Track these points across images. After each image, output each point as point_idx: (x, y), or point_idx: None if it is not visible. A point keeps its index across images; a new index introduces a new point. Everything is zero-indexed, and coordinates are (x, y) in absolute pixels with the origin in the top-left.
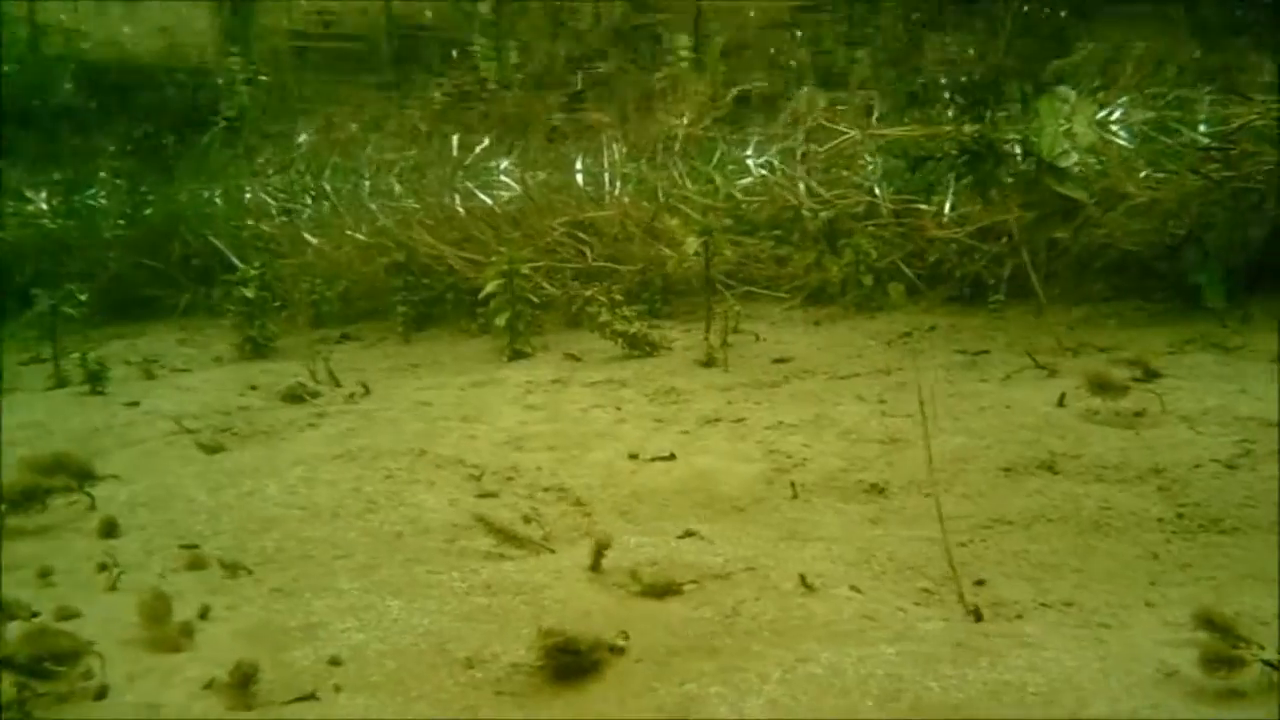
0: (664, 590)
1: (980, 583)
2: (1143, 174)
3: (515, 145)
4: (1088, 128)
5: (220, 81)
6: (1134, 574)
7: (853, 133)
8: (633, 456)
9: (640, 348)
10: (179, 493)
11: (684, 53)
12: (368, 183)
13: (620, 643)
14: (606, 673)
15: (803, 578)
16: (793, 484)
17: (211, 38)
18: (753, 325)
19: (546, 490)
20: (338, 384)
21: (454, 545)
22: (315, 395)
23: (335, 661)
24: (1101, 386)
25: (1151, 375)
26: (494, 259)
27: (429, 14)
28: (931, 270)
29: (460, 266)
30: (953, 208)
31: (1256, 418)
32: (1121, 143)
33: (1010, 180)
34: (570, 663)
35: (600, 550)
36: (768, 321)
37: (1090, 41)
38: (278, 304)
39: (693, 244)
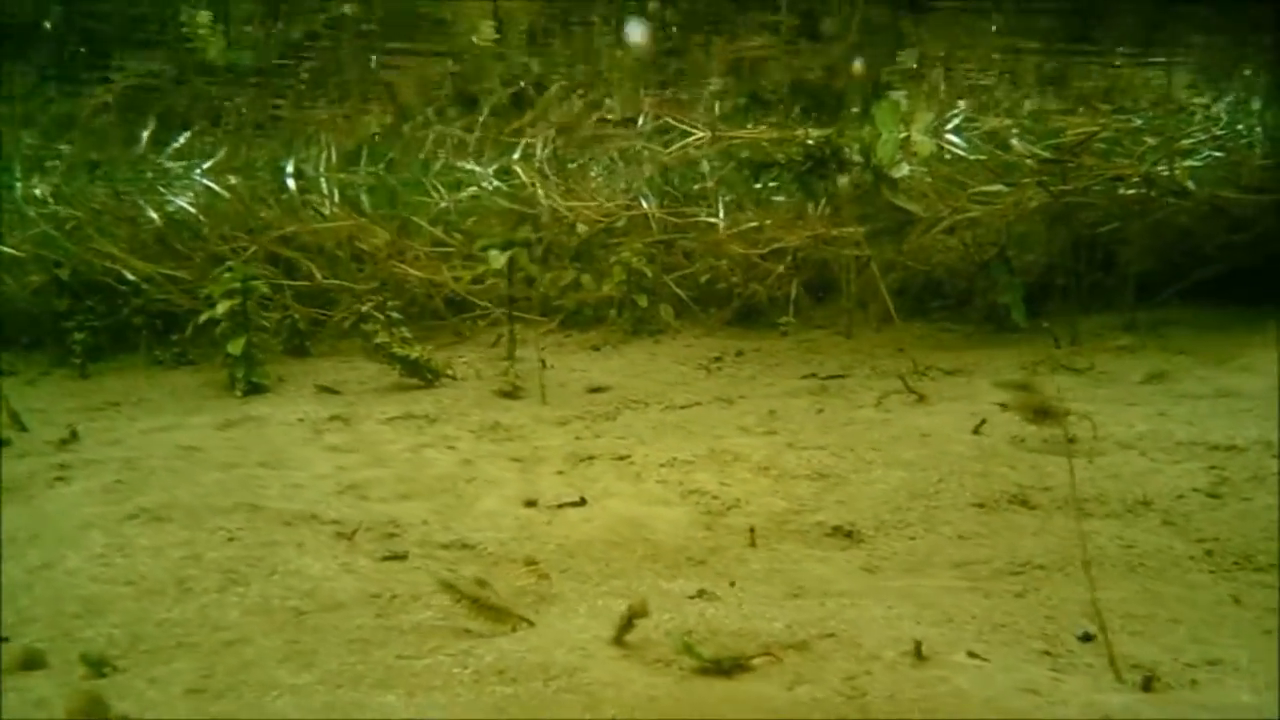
0: (731, 666)
1: (1088, 638)
2: (972, 188)
3: (227, 141)
4: (925, 136)
5: None
6: (1236, 623)
7: (701, 134)
8: (530, 504)
9: (422, 376)
10: None
11: (479, 41)
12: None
13: None
14: None
15: (918, 645)
16: (752, 530)
17: None
18: (522, 351)
19: (446, 548)
20: (23, 427)
21: (396, 621)
22: (5, 442)
23: None
24: (1039, 412)
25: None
26: (218, 276)
27: None
28: (705, 290)
29: (148, 284)
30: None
31: (1202, 442)
32: (960, 152)
33: (845, 191)
34: None
35: (632, 619)
36: (533, 346)
37: (926, 46)
38: None
39: (498, 259)
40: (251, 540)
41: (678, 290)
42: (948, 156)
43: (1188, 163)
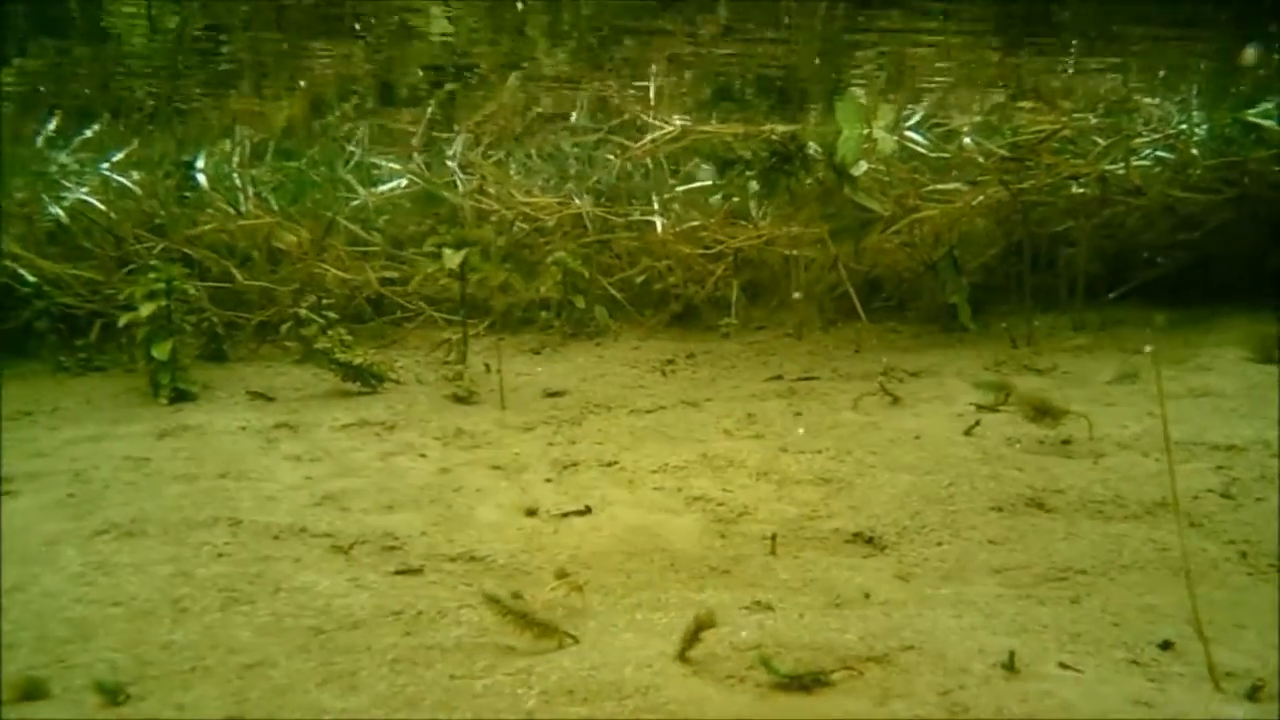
0: (811, 681)
1: (1167, 645)
2: (929, 185)
3: (138, 133)
4: (887, 134)
5: None
6: None
7: (672, 128)
8: (531, 513)
9: (365, 381)
10: None
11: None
12: None
13: None
14: None
15: (1011, 656)
16: (773, 538)
17: None
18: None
19: (453, 560)
20: None
21: (429, 639)
22: None
23: None
24: (1040, 412)
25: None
26: (139, 276)
27: None
28: (642, 291)
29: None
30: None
31: (1201, 442)
32: (920, 150)
33: (807, 188)
34: None
35: (698, 632)
36: (475, 350)
37: (883, 43)
38: None
39: (452, 258)
40: (243, 556)
41: (614, 292)
42: (902, 154)
43: (1139, 162)
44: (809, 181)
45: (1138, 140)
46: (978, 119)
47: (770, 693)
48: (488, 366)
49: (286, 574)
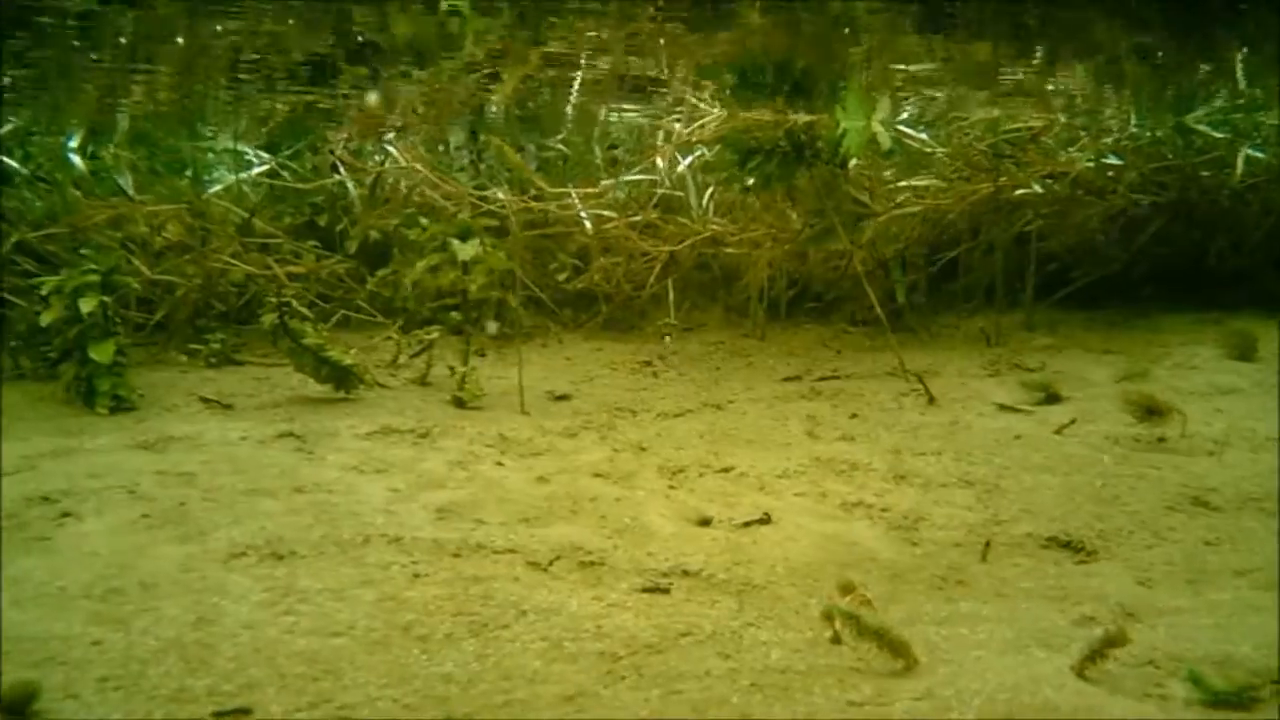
0: (1247, 699)
1: None
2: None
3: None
4: (883, 128)
5: None
6: None
7: (717, 113)
8: (703, 523)
9: (350, 385)
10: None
11: None
12: None
13: None
14: None
15: None
16: (987, 544)
17: None
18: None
19: (666, 575)
20: None
21: (747, 663)
22: None
23: None
24: (1149, 411)
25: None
26: (74, 269)
27: None
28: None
29: None
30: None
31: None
32: (916, 145)
33: (811, 181)
34: None
35: (1107, 648)
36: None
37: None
38: None
39: (467, 250)
40: (443, 575)
41: (539, 292)
42: (894, 149)
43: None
44: (818, 173)
45: (1108, 139)
46: (969, 115)
47: (1206, 712)
48: (451, 370)
49: (517, 594)
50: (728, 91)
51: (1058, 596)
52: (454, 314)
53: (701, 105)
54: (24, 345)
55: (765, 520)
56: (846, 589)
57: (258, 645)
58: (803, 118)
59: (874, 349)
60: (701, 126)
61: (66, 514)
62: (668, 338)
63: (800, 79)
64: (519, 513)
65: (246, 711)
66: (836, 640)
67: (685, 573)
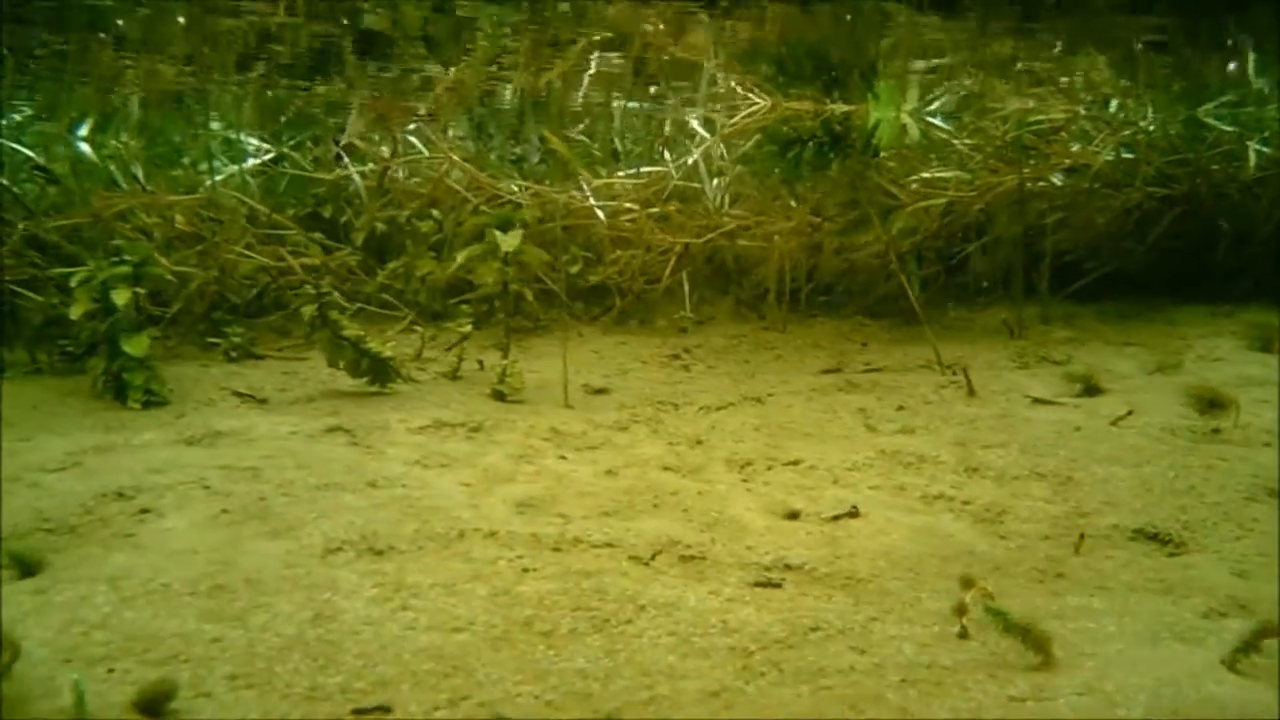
0: None
1: None
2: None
3: None
4: (913, 119)
5: None
6: None
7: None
8: (792, 516)
9: (386, 378)
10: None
11: None
12: None
13: None
14: None
15: None
16: (1081, 537)
17: None
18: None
19: (769, 570)
20: None
21: (881, 658)
22: None
23: None
24: (1211, 403)
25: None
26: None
27: None
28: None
29: None
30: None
31: None
32: (943, 136)
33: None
34: None
35: (1260, 639)
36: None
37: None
38: None
39: (510, 241)
40: (551, 570)
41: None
42: (923, 140)
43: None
44: (850, 164)
45: (1125, 132)
46: (993, 106)
47: None
48: (480, 363)
49: (630, 589)
50: (767, 81)
51: (1162, 589)
52: (484, 305)
53: (751, 95)
54: (39, 339)
55: (854, 514)
56: (968, 583)
57: (382, 642)
58: (840, 108)
59: (895, 341)
60: (747, 116)
61: (145, 510)
62: (684, 330)
63: (837, 69)
64: (599, 507)
65: (386, 709)
66: (964, 634)
67: (788, 566)
